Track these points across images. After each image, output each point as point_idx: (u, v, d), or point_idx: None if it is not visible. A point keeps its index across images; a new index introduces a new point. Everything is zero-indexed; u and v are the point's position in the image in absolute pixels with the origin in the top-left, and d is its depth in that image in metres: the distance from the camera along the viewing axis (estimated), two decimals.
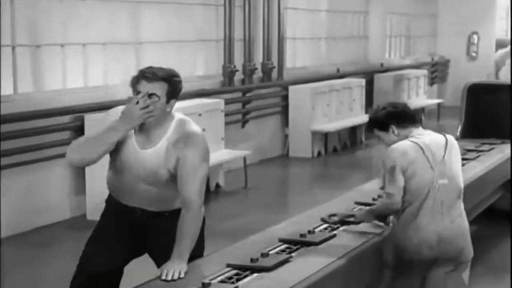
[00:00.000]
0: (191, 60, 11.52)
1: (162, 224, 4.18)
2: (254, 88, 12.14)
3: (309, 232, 4.57)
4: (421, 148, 4.55)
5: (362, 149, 14.03)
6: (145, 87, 3.99)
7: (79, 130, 8.34)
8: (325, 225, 4.85)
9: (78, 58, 9.28)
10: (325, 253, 4.28)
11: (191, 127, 4.12)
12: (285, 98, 12.93)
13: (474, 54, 20.45)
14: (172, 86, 4.04)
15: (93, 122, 8.24)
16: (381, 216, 4.79)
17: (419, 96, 17.39)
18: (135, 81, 4.04)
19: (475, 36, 20.50)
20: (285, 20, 13.00)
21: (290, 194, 10.80)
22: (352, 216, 4.88)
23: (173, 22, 10.92)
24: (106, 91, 9.37)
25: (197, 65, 11.70)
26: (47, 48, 8.75)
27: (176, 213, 4.08)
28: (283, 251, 4.30)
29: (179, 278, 3.83)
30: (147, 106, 3.97)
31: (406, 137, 4.65)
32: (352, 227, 4.82)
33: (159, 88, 3.99)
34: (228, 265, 3.97)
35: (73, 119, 8.60)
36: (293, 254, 4.22)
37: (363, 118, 14.28)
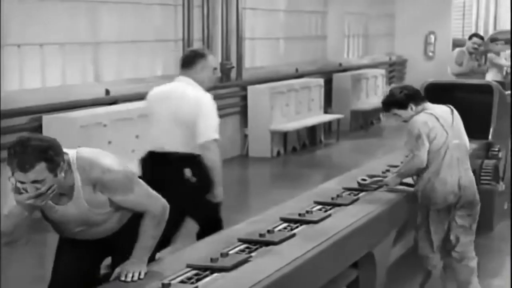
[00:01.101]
0: (150, 60, 11.48)
1: (118, 234, 4.16)
2: (212, 88, 12.12)
3: (269, 231, 4.57)
4: (436, 117, 5.73)
5: (321, 148, 14.09)
6: (25, 178, 3.61)
7: (37, 131, 8.27)
8: (285, 225, 4.87)
9: (36, 58, 9.21)
10: (284, 252, 4.29)
11: (96, 166, 3.85)
12: (244, 98, 12.95)
13: (431, 54, 20.64)
14: (50, 160, 3.63)
15: (51, 123, 8.18)
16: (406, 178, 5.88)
17: (377, 96, 17.50)
18: (11, 172, 3.64)
19: (432, 36, 20.68)
20: (243, 20, 13.02)
21: (249, 194, 10.82)
22: (381, 180, 5.92)
23: (131, 22, 10.88)
24: (64, 91, 9.30)
25: (156, 66, 11.67)
26: (4, 48, 8.66)
27: (133, 219, 4.08)
28: (242, 251, 4.30)
29: (139, 279, 3.83)
30: (38, 194, 3.67)
31: (420, 111, 5.76)
32: (312, 225, 4.84)
33: (39, 173, 3.60)
34: (188, 265, 3.97)
35: (30, 120, 8.53)
36: (252, 254, 4.22)
37: (322, 117, 14.38)
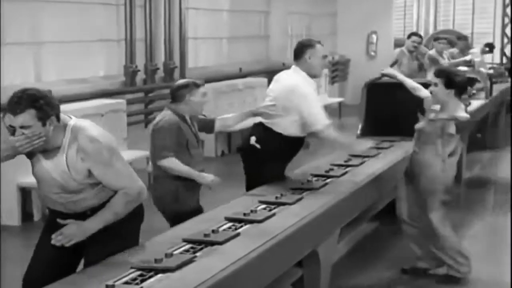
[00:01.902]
0: (92, 60, 11.38)
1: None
2: (156, 88, 12.09)
3: (213, 231, 4.57)
4: None
5: None
6: (14, 121, 3.95)
7: None
8: (229, 224, 4.87)
9: None
10: (229, 252, 4.29)
11: (85, 135, 4.08)
12: None
13: (373, 53, 20.82)
14: (40, 109, 3.95)
15: None
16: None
17: (320, 95, 17.57)
18: (3, 116, 4.00)
19: (374, 36, 20.87)
20: (186, 20, 12.99)
21: None
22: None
23: (73, 21, 10.77)
24: (3, 92, 9.17)
25: (98, 66, 11.57)
26: None
27: (99, 209, 4.18)
28: (187, 251, 4.29)
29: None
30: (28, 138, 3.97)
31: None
32: (256, 225, 4.86)
33: (27, 118, 3.93)
34: (132, 267, 3.95)
35: None
36: (197, 254, 4.22)
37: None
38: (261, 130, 6.32)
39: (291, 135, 6.24)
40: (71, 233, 4.06)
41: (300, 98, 6.11)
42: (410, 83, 7.34)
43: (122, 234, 4.30)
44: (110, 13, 11.58)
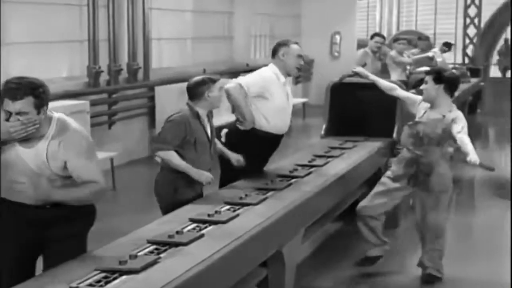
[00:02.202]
0: (55, 61, 11.30)
1: (46, 218, 4.29)
2: (120, 89, 12.03)
3: (178, 232, 4.57)
4: None
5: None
6: (12, 106, 4.07)
7: None
8: (194, 225, 4.87)
9: None
10: (193, 253, 4.29)
11: (70, 127, 4.26)
12: (152, 99, 12.87)
13: (336, 54, 20.92)
14: (38, 97, 4.11)
15: None
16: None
17: None
18: (1, 101, 4.09)
19: (337, 36, 20.97)
20: (150, 21, 12.94)
21: None
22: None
23: (35, 22, 10.69)
24: None
25: (61, 66, 11.49)
26: None
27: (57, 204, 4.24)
28: (151, 252, 4.28)
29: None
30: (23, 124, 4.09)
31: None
32: (220, 225, 4.86)
33: (25, 105, 4.07)
34: (96, 269, 3.93)
35: None
36: (161, 255, 4.22)
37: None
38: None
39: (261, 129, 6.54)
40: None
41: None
42: (383, 83, 7.44)
43: (74, 233, 4.39)
44: (73, 14, 11.51)
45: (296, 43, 6.77)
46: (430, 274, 6.63)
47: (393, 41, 14.42)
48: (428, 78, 6.54)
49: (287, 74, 6.69)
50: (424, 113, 6.61)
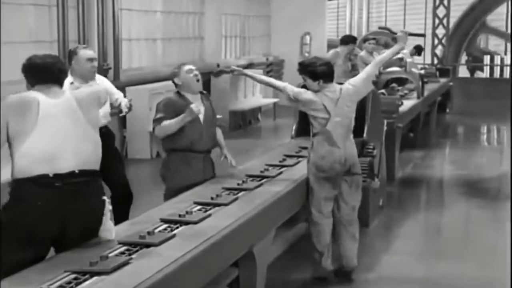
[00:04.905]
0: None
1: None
2: None
3: (149, 233, 4.56)
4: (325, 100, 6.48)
5: None
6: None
7: None
8: (165, 226, 4.87)
9: None
10: (164, 253, 4.29)
11: None
12: None
13: (307, 54, 20.95)
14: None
15: None
16: None
17: (255, 96, 17.66)
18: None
19: (307, 37, 21.03)
20: (120, 21, 12.91)
21: None
22: None
23: (4, 22, 10.60)
24: None
25: None
26: None
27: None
28: (122, 253, 4.28)
29: None
30: None
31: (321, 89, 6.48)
32: (191, 226, 4.86)
33: None
34: (66, 270, 3.92)
35: None
36: (133, 256, 4.21)
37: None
38: None
39: None
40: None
41: None
42: (262, 80, 7.49)
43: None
44: (42, 14, 11.44)
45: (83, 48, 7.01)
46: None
47: (363, 42, 14.49)
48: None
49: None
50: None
